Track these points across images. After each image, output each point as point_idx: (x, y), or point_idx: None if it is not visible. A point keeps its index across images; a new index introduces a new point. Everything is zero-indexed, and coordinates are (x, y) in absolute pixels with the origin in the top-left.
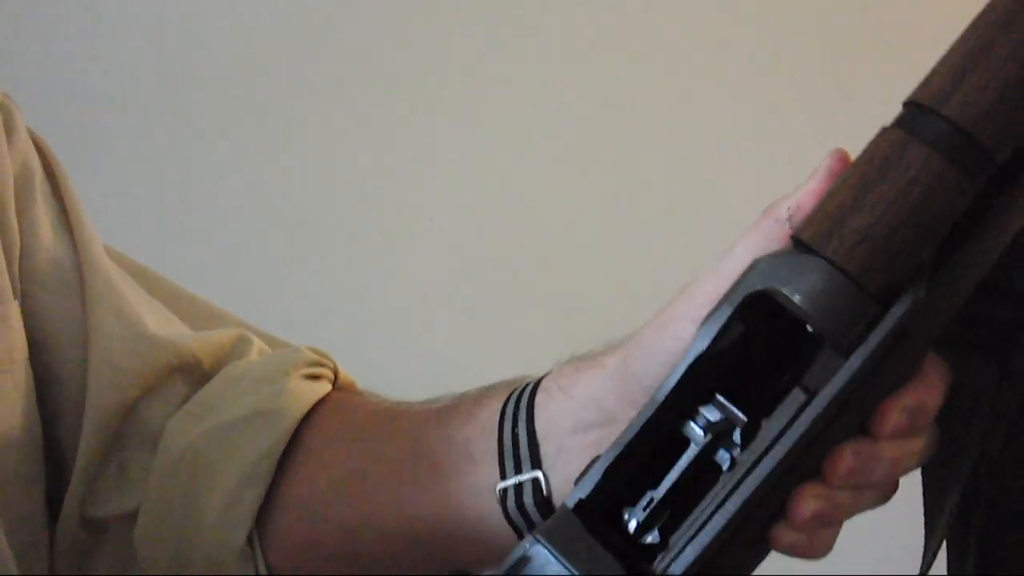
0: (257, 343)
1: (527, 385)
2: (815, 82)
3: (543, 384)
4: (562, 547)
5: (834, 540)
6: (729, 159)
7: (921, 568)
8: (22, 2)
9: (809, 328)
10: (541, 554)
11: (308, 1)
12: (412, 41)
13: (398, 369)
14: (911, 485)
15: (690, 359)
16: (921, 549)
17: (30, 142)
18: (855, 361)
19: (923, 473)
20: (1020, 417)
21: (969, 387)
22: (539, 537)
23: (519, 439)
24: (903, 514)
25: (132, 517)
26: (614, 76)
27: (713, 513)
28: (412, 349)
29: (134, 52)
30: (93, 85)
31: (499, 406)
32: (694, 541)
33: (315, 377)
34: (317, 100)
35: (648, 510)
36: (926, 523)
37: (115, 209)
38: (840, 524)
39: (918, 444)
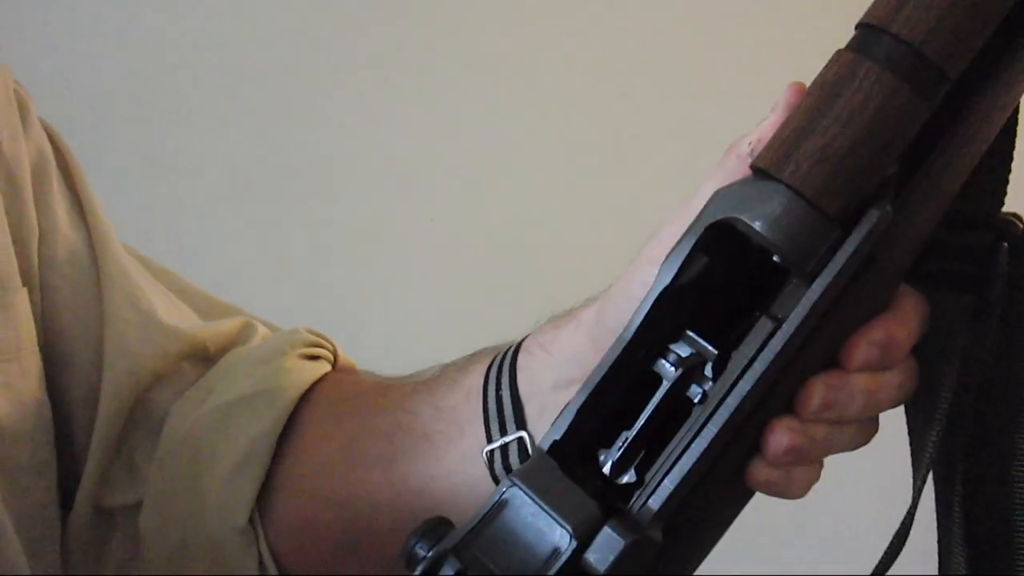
0: (261, 330)
1: (509, 348)
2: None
3: (524, 345)
4: (538, 489)
5: (811, 483)
6: None
7: (912, 500)
8: (20, 2)
9: (775, 257)
10: (517, 496)
11: (309, 1)
12: (412, 41)
13: (397, 369)
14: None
15: (655, 294)
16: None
17: (43, 132)
18: (818, 286)
19: (905, 408)
20: (998, 348)
21: (947, 320)
22: (515, 480)
23: (503, 401)
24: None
25: (139, 506)
26: (616, 77)
27: (687, 446)
28: (411, 350)
29: (134, 53)
30: (91, 85)
31: (483, 371)
32: (669, 475)
33: (313, 358)
34: (317, 100)
35: (622, 450)
36: (912, 457)
37: (113, 209)
38: (818, 464)
39: (893, 378)
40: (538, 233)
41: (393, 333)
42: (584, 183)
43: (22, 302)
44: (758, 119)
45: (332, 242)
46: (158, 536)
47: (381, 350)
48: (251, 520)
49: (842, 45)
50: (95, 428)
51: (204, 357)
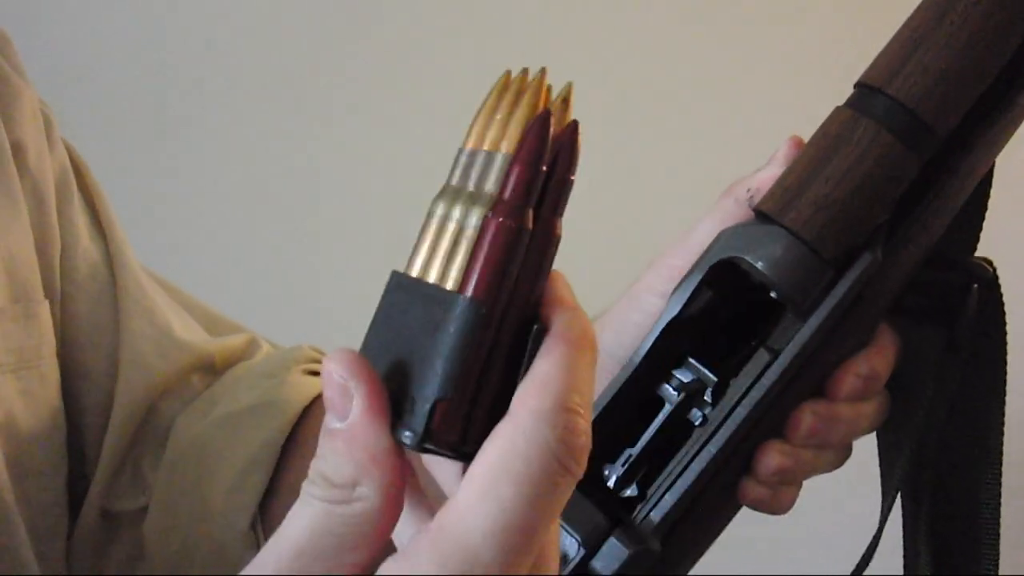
0: (265, 346)
1: None
2: (821, 85)
3: None
4: None
5: (794, 499)
6: (742, 165)
7: (880, 521)
8: (19, 4)
9: (773, 294)
10: None
11: (309, 1)
12: (411, 41)
13: None
14: None
15: (663, 323)
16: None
17: (64, 149)
18: (813, 323)
19: (877, 435)
20: (964, 379)
21: (920, 352)
22: None
23: None
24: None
25: (143, 511)
26: (617, 78)
27: (687, 465)
28: None
29: (132, 54)
30: (87, 87)
31: None
32: (671, 491)
33: (315, 373)
34: (317, 100)
35: (626, 466)
36: (882, 480)
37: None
38: (800, 484)
39: (871, 408)
40: None
41: None
42: (588, 186)
43: (45, 313)
44: (769, 128)
45: (330, 243)
46: (162, 540)
47: None
48: (253, 525)
49: (842, 49)
50: (106, 435)
51: (212, 370)
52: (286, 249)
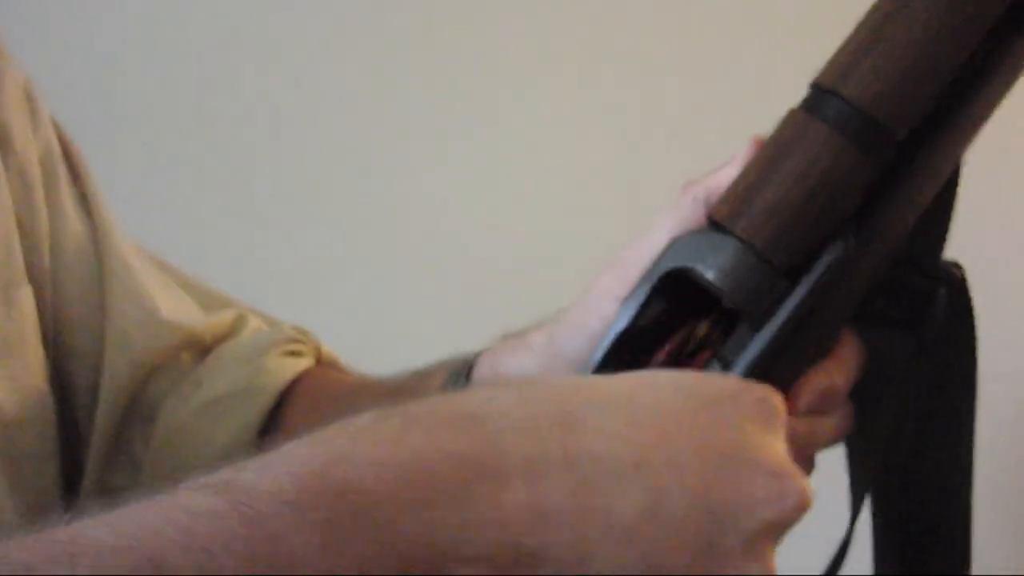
0: (252, 321)
1: (464, 364)
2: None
3: (477, 362)
4: None
5: None
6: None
7: (849, 524)
8: (21, 3)
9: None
10: None
11: (309, 1)
12: (411, 42)
13: (385, 365)
14: None
15: (611, 337)
16: None
17: (51, 126)
18: (765, 334)
19: (846, 439)
20: (933, 384)
21: (886, 358)
22: None
23: None
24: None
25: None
26: (616, 79)
27: None
28: (409, 353)
29: (133, 53)
30: (87, 86)
31: (441, 384)
32: None
33: (295, 354)
34: (317, 100)
35: None
36: (850, 488)
37: (118, 204)
38: None
39: (831, 421)
40: (540, 238)
41: (390, 335)
42: (589, 187)
43: (27, 297)
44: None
45: (329, 243)
46: None
47: (377, 352)
48: None
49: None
50: (96, 418)
51: (201, 348)
52: (282, 233)
